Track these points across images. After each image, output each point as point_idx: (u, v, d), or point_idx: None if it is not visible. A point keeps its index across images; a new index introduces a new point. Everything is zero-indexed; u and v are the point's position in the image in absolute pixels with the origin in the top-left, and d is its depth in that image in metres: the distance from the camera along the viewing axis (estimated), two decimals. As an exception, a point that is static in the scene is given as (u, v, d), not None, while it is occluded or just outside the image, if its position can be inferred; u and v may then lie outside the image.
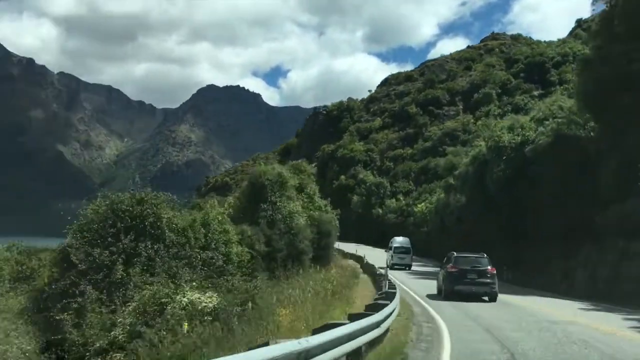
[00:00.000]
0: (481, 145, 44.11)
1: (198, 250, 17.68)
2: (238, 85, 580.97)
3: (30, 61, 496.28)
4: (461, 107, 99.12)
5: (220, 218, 21.50)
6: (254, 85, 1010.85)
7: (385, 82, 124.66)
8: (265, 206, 28.12)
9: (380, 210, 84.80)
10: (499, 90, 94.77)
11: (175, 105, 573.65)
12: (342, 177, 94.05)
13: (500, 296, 22.02)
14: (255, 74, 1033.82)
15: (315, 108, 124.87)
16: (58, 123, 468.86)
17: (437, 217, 64.52)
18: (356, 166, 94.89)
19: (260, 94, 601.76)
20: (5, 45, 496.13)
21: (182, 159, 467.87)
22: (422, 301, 21.23)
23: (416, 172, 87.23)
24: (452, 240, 43.94)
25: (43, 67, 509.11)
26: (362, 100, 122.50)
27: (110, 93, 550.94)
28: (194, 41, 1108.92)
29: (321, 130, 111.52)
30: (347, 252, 48.93)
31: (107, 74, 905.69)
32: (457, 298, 21.02)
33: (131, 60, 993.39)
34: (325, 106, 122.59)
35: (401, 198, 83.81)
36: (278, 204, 28.81)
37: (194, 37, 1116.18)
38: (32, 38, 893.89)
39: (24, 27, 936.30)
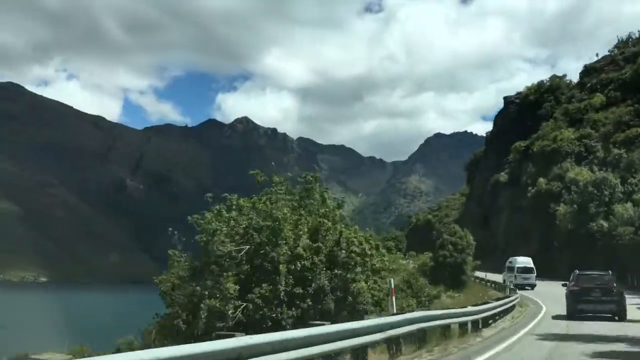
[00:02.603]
0: None
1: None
2: (465, 131, 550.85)
3: (273, 131, 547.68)
4: None
5: None
6: (483, 129, 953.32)
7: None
8: None
9: (605, 223, 51.92)
10: None
11: (404, 157, 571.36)
12: (541, 179, 62.45)
13: None
14: (484, 117, 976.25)
15: (505, 97, 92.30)
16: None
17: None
18: (563, 161, 62.19)
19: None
20: (253, 119, 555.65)
21: (413, 210, 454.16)
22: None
23: (667, 157, 52.45)
24: None
25: (284, 134, 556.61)
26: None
27: (343, 152, 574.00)
28: (418, 93, 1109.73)
29: (512, 125, 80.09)
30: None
31: (339, 134, 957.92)
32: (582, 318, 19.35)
33: (360, 118, 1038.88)
34: (518, 93, 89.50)
35: (641, 200, 50.06)
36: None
37: (417, 89, 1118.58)
38: (274, 110, 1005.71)
39: (268, 101, 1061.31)
